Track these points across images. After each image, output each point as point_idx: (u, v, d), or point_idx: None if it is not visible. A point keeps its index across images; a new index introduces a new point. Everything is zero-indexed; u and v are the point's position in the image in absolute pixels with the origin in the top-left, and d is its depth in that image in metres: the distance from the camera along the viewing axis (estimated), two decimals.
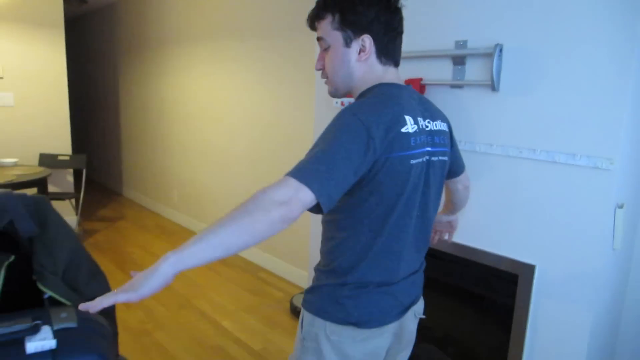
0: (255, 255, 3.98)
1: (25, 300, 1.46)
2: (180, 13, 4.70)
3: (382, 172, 1.02)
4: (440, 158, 1.17)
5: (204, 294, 3.33)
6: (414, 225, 1.16)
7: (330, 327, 1.14)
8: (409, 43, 1.95)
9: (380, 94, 1.09)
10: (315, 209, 0.93)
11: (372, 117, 0.99)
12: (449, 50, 1.82)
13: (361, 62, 1.12)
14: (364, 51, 1.11)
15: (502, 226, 1.77)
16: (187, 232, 4.79)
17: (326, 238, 1.19)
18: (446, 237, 1.60)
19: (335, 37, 1.11)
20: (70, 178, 4.71)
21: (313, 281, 1.23)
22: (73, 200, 4.61)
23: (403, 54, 1.97)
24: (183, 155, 4.91)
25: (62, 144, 4.55)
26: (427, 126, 1.13)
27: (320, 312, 1.16)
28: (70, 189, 4.72)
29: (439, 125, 1.18)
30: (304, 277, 3.43)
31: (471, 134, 1.81)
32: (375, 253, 1.12)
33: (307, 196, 0.89)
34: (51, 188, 4.39)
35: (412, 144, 1.05)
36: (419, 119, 1.10)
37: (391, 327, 1.19)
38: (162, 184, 5.37)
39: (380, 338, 1.18)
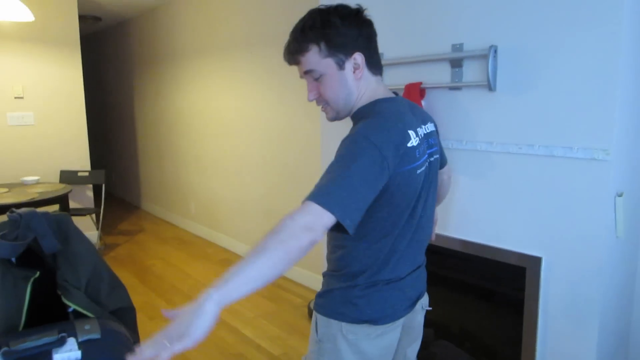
0: None
1: (50, 314, 1.55)
2: (190, 27, 4.83)
3: (394, 186, 1.08)
4: (435, 157, 1.25)
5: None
6: (420, 224, 1.22)
7: (346, 327, 1.19)
8: (407, 48, 2.01)
9: (382, 112, 1.13)
10: (342, 229, 0.98)
11: (382, 138, 1.04)
12: (446, 53, 1.87)
13: (358, 80, 1.16)
14: (358, 68, 1.15)
15: (507, 221, 1.80)
16: (205, 243, 4.89)
17: (336, 246, 1.24)
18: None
19: (327, 64, 1.14)
20: (90, 193, 4.85)
21: (323, 286, 1.29)
22: (94, 216, 4.75)
23: (402, 60, 2.03)
24: (198, 167, 5.02)
25: (81, 160, 4.70)
26: (423, 133, 1.19)
27: (335, 314, 1.21)
28: (91, 204, 4.86)
29: (429, 128, 1.25)
30: (320, 282, 3.48)
31: (472, 133, 1.85)
32: (385, 255, 1.18)
33: (330, 221, 0.95)
34: (72, 204, 4.52)
35: (417, 155, 1.12)
36: (418, 130, 1.16)
37: (401, 321, 1.25)
38: (179, 196, 5.49)
39: (393, 332, 1.24)
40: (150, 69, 5.73)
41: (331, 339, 1.21)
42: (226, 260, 4.33)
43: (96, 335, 1.35)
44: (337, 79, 1.15)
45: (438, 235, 2.00)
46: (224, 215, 4.68)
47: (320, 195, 0.96)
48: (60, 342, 1.30)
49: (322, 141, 2.49)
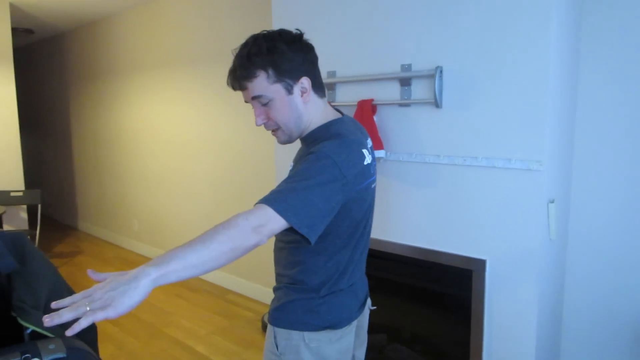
0: (221, 279, 4.02)
1: (5, 337, 1.48)
2: (131, 42, 4.74)
3: (352, 201, 1.13)
4: (375, 178, 1.31)
5: (173, 322, 3.34)
6: (368, 232, 1.31)
7: (309, 335, 1.23)
8: (360, 67, 2.14)
9: (340, 134, 1.17)
10: (304, 241, 1.03)
11: (343, 158, 1.08)
12: (396, 73, 2.01)
13: (306, 103, 1.19)
14: (305, 92, 1.18)
15: (454, 227, 1.94)
16: None
17: (294, 262, 1.26)
18: None
19: (276, 89, 1.15)
20: (24, 214, 4.59)
21: (279, 299, 1.29)
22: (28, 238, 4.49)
23: (355, 77, 2.15)
24: (142, 184, 4.89)
25: (14, 179, 4.45)
26: (370, 149, 1.26)
27: (296, 325, 1.24)
28: (25, 226, 4.60)
29: (370, 142, 1.31)
30: (272, 295, 3.50)
31: (420, 147, 1.99)
32: (344, 266, 1.25)
33: (279, 228, 0.98)
34: (5, 226, 4.27)
35: (371, 171, 1.21)
36: (368, 147, 1.23)
37: (355, 322, 1.33)
38: (120, 214, 5.31)
39: (350, 334, 1.31)
40: (88, 84, 5.55)
41: (293, 350, 1.23)
42: None
43: (62, 355, 1.32)
44: (287, 104, 1.17)
45: (390, 243, 2.12)
46: (170, 233, 4.59)
47: (277, 201, 0.98)
48: None
49: (276, 157, 2.55)
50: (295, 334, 1.24)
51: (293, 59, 1.14)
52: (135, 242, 5.11)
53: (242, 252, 0.92)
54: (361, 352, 1.47)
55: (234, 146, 3.74)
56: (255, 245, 0.94)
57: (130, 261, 4.80)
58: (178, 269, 0.84)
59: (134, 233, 5.11)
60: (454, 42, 1.85)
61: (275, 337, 1.26)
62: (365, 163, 1.16)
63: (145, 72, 4.61)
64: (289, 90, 1.16)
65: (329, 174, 1.05)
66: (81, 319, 0.78)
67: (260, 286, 3.67)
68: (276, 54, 1.13)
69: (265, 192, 3.56)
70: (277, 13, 2.47)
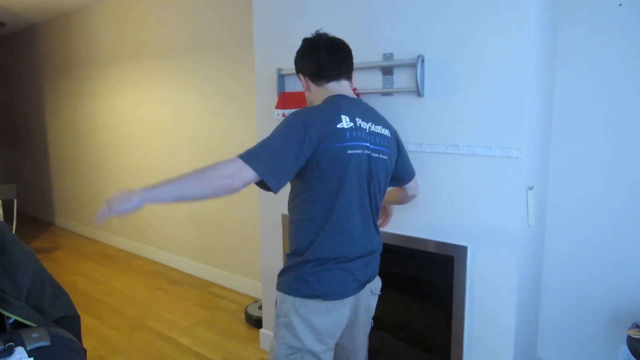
0: (204, 272, 4.00)
1: None
2: (109, 33, 4.66)
3: (324, 160, 1.26)
4: (381, 156, 1.40)
5: (155, 314, 3.32)
6: (365, 211, 1.38)
7: (299, 301, 1.33)
8: None
9: (324, 103, 1.39)
10: (265, 187, 1.21)
11: (310, 116, 1.28)
12: (378, 62, 2.03)
13: (309, 91, 1.48)
14: (305, 85, 1.47)
15: (435, 214, 1.98)
16: (131, 256, 4.70)
17: (290, 223, 1.42)
18: (384, 223, 1.81)
19: (300, 79, 1.50)
20: None
21: (283, 265, 1.43)
22: None
23: None
24: (121, 177, 4.83)
25: None
26: (369, 127, 1.37)
27: (290, 290, 1.35)
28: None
29: (381, 130, 1.42)
30: (256, 287, 3.51)
31: (403, 135, 2.00)
32: (328, 232, 1.32)
33: (249, 175, 1.18)
34: None
35: (348, 137, 1.30)
36: (357, 119, 1.34)
37: (350, 300, 1.39)
38: (98, 208, 5.22)
39: (342, 310, 1.37)
40: (62, 78, 5.43)
41: (286, 313, 1.35)
42: (155, 272, 4.21)
43: (46, 343, 1.31)
44: (304, 89, 1.51)
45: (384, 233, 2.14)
46: (151, 227, 4.55)
47: (246, 153, 1.20)
48: (8, 352, 1.25)
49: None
50: (288, 298, 1.35)
51: (296, 60, 1.48)
52: (114, 237, 5.04)
53: (210, 191, 1.17)
54: (365, 334, 1.56)
55: (213, 136, 3.72)
56: (224, 189, 1.17)
57: (110, 256, 4.74)
58: (158, 193, 1.17)
59: (113, 227, 5.05)
60: (435, 31, 1.88)
61: (276, 300, 1.41)
62: (338, 126, 1.29)
63: (121, 64, 4.54)
64: (300, 81, 1.50)
65: (292, 127, 1.25)
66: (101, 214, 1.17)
67: (243, 278, 3.67)
68: (296, 54, 1.48)
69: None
70: (257, 4, 2.47)
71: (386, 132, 1.44)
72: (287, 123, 1.27)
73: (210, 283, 3.91)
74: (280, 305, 1.38)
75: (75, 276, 4.14)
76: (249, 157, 1.19)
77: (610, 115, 1.97)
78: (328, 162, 1.27)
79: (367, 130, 1.36)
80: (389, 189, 1.57)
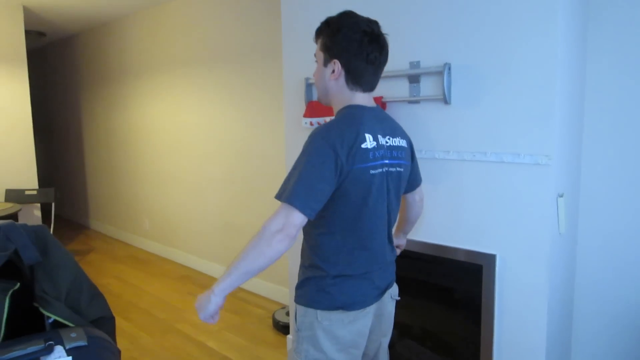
0: None
1: (27, 326, 1.53)
2: (143, 43, 4.81)
3: (347, 181, 1.24)
4: (397, 169, 1.38)
5: (185, 318, 3.39)
6: (383, 225, 1.38)
7: (321, 314, 1.32)
8: None
9: (345, 116, 1.31)
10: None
11: (337, 138, 1.22)
12: (405, 70, 2.04)
13: (332, 81, 1.34)
14: (334, 72, 1.32)
15: (463, 222, 1.97)
16: (162, 260, 4.82)
17: (309, 242, 1.39)
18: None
19: (320, 56, 1.36)
20: (37, 213, 4.67)
21: (299, 277, 1.41)
22: None
23: None
24: (153, 183, 4.96)
25: (28, 178, 4.53)
26: (386, 142, 1.35)
27: (311, 303, 1.34)
28: (39, 223, 4.67)
29: (398, 142, 1.39)
30: (284, 293, 3.55)
31: (430, 143, 2.02)
32: (350, 250, 1.32)
33: (297, 218, 1.18)
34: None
35: (371, 157, 1.28)
36: (378, 136, 1.32)
37: (372, 309, 1.39)
38: (132, 213, 5.38)
39: (365, 319, 1.37)
40: (100, 85, 5.63)
41: (308, 326, 1.34)
42: (186, 276, 4.30)
43: (83, 342, 1.37)
44: (320, 71, 1.37)
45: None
46: (181, 231, 4.65)
47: (286, 196, 1.19)
48: (48, 350, 1.31)
49: (287, 153, 2.59)
50: (310, 312, 1.33)
51: (337, 41, 1.30)
52: (146, 241, 5.17)
53: (272, 252, 1.17)
54: (386, 341, 1.54)
55: (244, 144, 3.79)
56: (282, 242, 1.17)
57: (141, 259, 4.86)
58: (231, 281, 1.21)
59: (145, 231, 5.18)
60: (462, 38, 1.88)
61: (296, 313, 1.39)
62: (363, 146, 1.26)
63: (154, 73, 4.68)
64: (325, 63, 1.34)
65: (322, 153, 1.21)
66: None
67: (271, 284, 3.71)
68: (332, 30, 1.31)
69: (274, 187, 3.60)
70: (286, 14, 2.52)
71: (403, 142, 1.42)
72: (315, 149, 1.22)
73: (239, 288, 3.95)
74: (301, 318, 1.36)
75: (108, 279, 4.26)
76: (289, 198, 1.18)
77: None
78: (352, 183, 1.25)
79: (386, 146, 1.34)
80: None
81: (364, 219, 1.31)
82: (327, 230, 1.32)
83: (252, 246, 1.19)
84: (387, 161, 1.33)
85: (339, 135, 1.23)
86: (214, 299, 1.22)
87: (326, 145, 1.21)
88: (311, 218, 1.20)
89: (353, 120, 1.28)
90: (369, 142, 1.27)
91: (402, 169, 1.40)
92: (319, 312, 1.32)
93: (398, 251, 1.74)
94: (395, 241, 1.71)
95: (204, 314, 1.23)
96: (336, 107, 1.38)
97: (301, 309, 1.37)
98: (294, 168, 1.24)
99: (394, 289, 1.51)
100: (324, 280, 1.33)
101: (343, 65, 1.31)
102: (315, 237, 1.35)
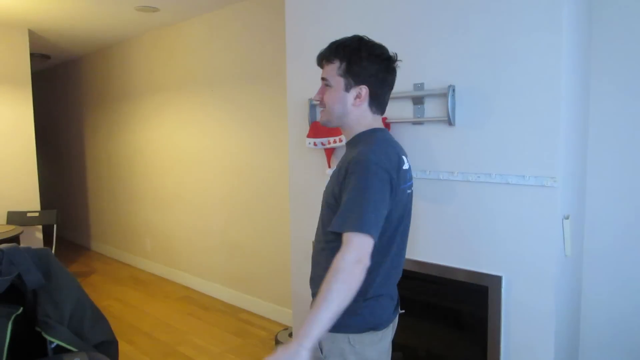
0: (234, 297, 4.03)
1: (30, 352, 1.51)
2: (146, 65, 4.86)
3: (393, 202, 1.27)
4: (412, 189, 1.45)
5: (187, 340, 3.34)
6: (406, 243, 1.43)
7: (353, 337, 1.30)
8: None
9: (380, 139, 1.32)
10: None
11: (387, 162, 1.25)
12: (409, 91, 2.05)
13: (355, 107, 1.33)
14: (359, 98, 1.32)
15: (469, 244, 1.96)
16: (163, 281, 4.78)
17: (332, 259, 1.31)
18: None
19: (338, 81, 1.32)
20: (39, 235, 4.66)
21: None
22: None
23: None
24: (155, 204, 4.95)
25: (30, 200, 4.52)
26: (407, 158, 1.39)
27: (341, 328, 1.27)
28: (40, 245, 4.65)
29: (409, 163, 1.42)
30: (286, 314, 3.51)
31: (434, 164, 2.03)
32: (386, 270, 1.33)
33: (369, 244, 1.17)
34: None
35: (408, 177, 1.35)
36: (405, 158, 1.37)
37: (392, 324, 1.42)
38: (133, 234, 5.36)
39: (389, 336, 1.40)
40: (103, 107, 5.67)
41: (338, 352, 1.30)
42: (187, 297, 4.26)
43: None
44: (340, 97, 1.33)
45: (405, 260, 2.12)
46: (183, 252, 4.62)
47: (358, 224, 1.16)
48: None
49: (290, 174, 2.59)
50: (340, 337, 1.30)
51: (365, 67, 1.29)
52: (147, 262, 5.14)
53: (357, 284, 1.14)
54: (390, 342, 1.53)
55: (246, 164, 3.80)
56: (362, 272, 1.14)
57: (142, 280, 4.83)
58: (320, 330, 1.11)
59: (146, 252, 5.15)
60: (466, 60, 1.90)
61: (319, 342, 1.32)
62: (404, 167, 1.31)
63: (157, 95, 4.71)
64: (347, 88, 1.31)
65: (380, 178, 1.22)
66: None
67: (273, 305, 3.67)
68: (354, 56, 1.29)
69: (277, 207, 3.56)
70: (290, 36, 2.55)
71: (409, 163, 1.44)
72: (373, 174, 1.21)
73: (241, 309, 3.93)
74: (329, 346, 1.31)
75: (109, 300, 4.22)
76: (362, 227, 1.16)
77: None
78: (395, 203, 1.28)
79: (408, 163, 1.40)
80: None
81: (397, 238, 1.34)
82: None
83: (335, 284, 1.12)
84: (411, 182, 1.41)
85: (387, 159, 1.25)
86: (304, 353, 1.08)
87: (381, 169, 1.22)
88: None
89: (388, 144, 1.32)
90: (406, 164, 1.34)
91: (413, 188, 1.47)
92: (350, 336, 1.29)
93: None
94: None
95: None
96: (354, 131, 1.37)
97: (328, 335, 1.28)
98: (353, 196, 1.20)
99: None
100: (356, 303, 1.24)
101: (371, 91, 1.32)
102: None
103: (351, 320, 1.29)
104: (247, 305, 3.91)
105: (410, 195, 1.40)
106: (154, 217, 4.98)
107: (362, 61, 1.29)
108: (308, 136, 2.40)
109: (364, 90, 1.31)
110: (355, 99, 1.32)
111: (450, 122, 1.93)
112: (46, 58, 5.88)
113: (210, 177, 4.19)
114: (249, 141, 3.77)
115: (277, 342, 3.13)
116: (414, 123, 2.07)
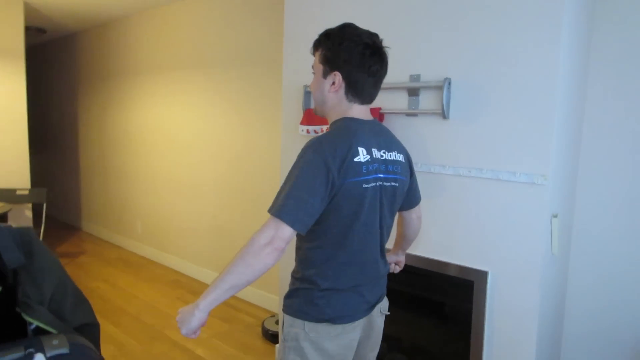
0: None
1: (8, 333, 1.49)
2: (143, 44, 4.80)
3: (339, 195, 1.22)
4: (392, 184, 1.35)
5: (174, 324, 3.34)
6: (375, 240, 1.36)
7: (309, 325, 1.30)
8: None
9: (340, 128, 1.29)
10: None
11: (329, 151, 1.20)
12: (404, 83, 2.03)
13: (332, 93, 1.32)
14: (334, 85, 1.30)
15: (456, 238, 1.95)
16: (153, 264, 4.77)
17: (297, 247, 1.38)
18: (395, 270, 1.73)
19: (318, 68, 1.34)
20: (29, 213, 4.62)
21: (289, 286, 1.40)
22: None
23: None
24: (147, 186, 4.92)
25: (20, 178, 4.47)
26: (381, 156, 1.32)
27: (299, 314, 1.32)
28: (29, 224, 4.63)
29: (394, 156, 1.36)
30: (274, 301, 3.51)
31: (426, 157, 2.01)
32: (341, 264, 1.30)
33: (286, 232, 1.15)
34: (10, 224, 4.29)
35: (364, 171, 1.25)
36: (372, 149, 1.29)
37: (361, 323, 1.37)
38: (124, 216, 5.33)
39: (353, 332, 1.35)
40: (97, 85, 5.60)
41: (295, 337, 1.32)
42: (176, 281, 4.25)
43: (65, 350, 1.33)
44: (318, 83, 1.35)
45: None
46: (173, 235, 4.61)
47: (276, 209, 1.17)
48: (28, 358, 1.27)
49: (282, 158, 2.57)
50: (298, 322, 1.32)
51: (339, 53, 1.28)
52: (138, 244, 5.12)
53: (260, 264, 1.15)
54: (373, 356, 1.51)
55: (239, 148, 3.77)
56: (270, 255, 1.15)
57: (132, 263, 4.81)
58: (216, 296, 1.16)
59: (137, 235, 5.13)
60: (463, 54, 1.87)
61: (283, 322, 1.38)
62: (356, 159, 1.23)
63: (152, 74, 4.66)
64: (324, 75, 1.32)
65: (314, 167, 1.19)
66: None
67: (261, 292, 3.67)
68: (332, 42, 1.29)
69: (269, 193, 3.56)
70: (289, 22, 2.51)
71: (400, 157, 1.38)
72: (308, 162, 1.20)
73: None
74: (288, 329, 1.34)
75: (98, 282, 4.21)
76: (279, 211, 1.16)
77: None
78: (344, 197, 1.23)
79: (381, 160, 1.31)
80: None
81: (355, 233, 1.29)
82: (318, 243, 1.30)
83: (239, 259, 1.16)
84: (381, 175, 1.31)
85: (331, 148, 1.21)
86: (199, 314, 1.17)
87: (318, 158, 1.19)
88: (302, 232, 1.19)
89: (347, 133, 1.27)
90: (362, 156, 1.25)
91: (397, 184, 1.37)
92: (306, 323, 1.31)
93: (397, 268, 1.72)
94: (394, 258, 1.69)
95: (186, 329, 1.19)
96: (331, 119, 1.36)
97: (289, 319, 1.35)
98: (286, 181, 1.21)
99: (384, 304, 1.49)
100: (313, 292, 1.31)
101: (344, 77, 1.29)
102: (305, 250, 1.33)
103: (308, 308, 1.31)
104: None
105: (376, 190, 1.30)
106: (146, 199, 4.95)
107: (338, 47, 1.28)
108: (301, 123, 2.37)
109: (337, 76, 1.29)
110: (331, 85, 1.31)
111: (444, 115, 1.91)
112: (41, 32, 5.78)
113: (203, 161, 4.16)
114: (242, 126, 3.73)
115: (264, 329, 3.14)
116: (408, 115, 2.05)
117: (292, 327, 1.33)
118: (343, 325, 1.32)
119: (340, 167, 1.20)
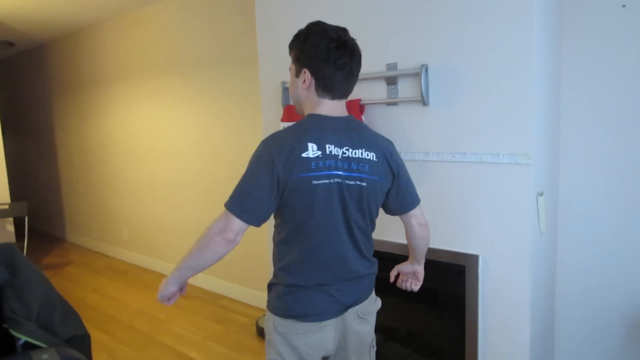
0: (214, 284, 4.00)
1: None
2: (114, 51, 4.71)
3: (287, 190, 1.24)
4: (358, 182, 1.29)
5: (167, 329, 3.31)
6: (343, 240, 1.32)
7: (277, 320, 1.34)
8: None
9: (298, 123, 1.31)
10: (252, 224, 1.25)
11: (276, 146, 1.24)
12: (382, 72, 2.02)
13: (304, 91, 1.33)
14: (305, 82, 1.31)
15: (445, 224, 1.96)
16: (141, 270, 4.72)
17: (272, 250, 1.42)
18: (413, 287, 1.67)
19: (292, 68, 1.36)
20: (10, 227, 4.53)
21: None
22: None
23: None
24: (130, 193, 4.85)
25: None
26: (344, 153, 1.28)
27: (272, 308, 1.37)
28: (12, 239, 4.53)
29: (362, 154, 1.30)
30: (266, 300, 3.49)
31: (409, 145, 2.01)
32: (300, 260, 1.31)
33: (235, 223, 1.22)
34: None
35: (313, 166, 1.24)
36: (327, 145, 1.26)
37: (331, 324, 1.34)
38: (109, 224, 5.26)
39: (321, 332, 1.33)
40: (72, 94, 5.50)
41: (269, 331, 1.37)
42: None
43: None
44: (293, 82, 1.37)
45: (382, 241, 2.10)
46: (160, 240, 4.56)
47: (228, 202, 1.25)
48: None
49: None
50: (270, 316, 1.37)
51: (305, 50, 1.30)
52: (125, 251, 5.06)
53: (212, 252, 1.25)
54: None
55: (218, 150, 3.73)
56: (222, 243, 1.23)
57: (121, 270, 4.75)
58: (180, 274, 1.35)
59: (123, 242, 5.07)
60: (438, 39, 1.87)
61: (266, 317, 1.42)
62: (304, 155, 1.23)
63: (128, 81, 4.58)
64: (297, 74, 1.34)
65: (261, 161, 1.24)
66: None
67: (253, 291, 3.66)
68: (300, 41, 1.32)
69: None
70: (260, 17, 2.48)
71: (371, 155, 1.31)
72: (257, 157, 1.26)
73: (221, 296, 3.90)
74: (266, 322, 1.40)
75: (87, 292, 4.15)
76: (229, 204, 1.24)
77: (619, 118, 1.94)
78: (292, 192, 1.23)
79: (340, 157, 1.27)
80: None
81: (310, 230, 1.28)
82: (282, 239, 1.34)
83: (196, 246, 1.27)
84: (340, 172, 1.26)
85: (279, 144, 1.24)
86: (170, 286, 1.36)
87: (266, 153, 1.24)
88: (254, 225, 1.24)
89: (300, 128, 1.28)
90: (310, 151, 1.24)
91: (364, 184, 1.30)
92: (276, 318, 1.35)
93: (416, 282, 1.64)
94: (410, 268, 1.62)
95: (160, 295, 1.38)
96: (305, 114, 1.38)
97: (267, 312, 1.40)
98: (241, 177, 1.28)
99: (365, 307, 1.42)
100: (280, 287, 1.35)
101: (312, 73, 1.29)
102: (275, 244, 1.38)
103: (277, 303, 1.35)
104: (227, 291, 3.88)
105: (332, 188, 1.26)
106: (130, 206, 4.89)
107: (303, 44, 1.30)
108: (282, 120, 2.35)
109: (306, 73, 1.30)
110: (302, 83, 1.32)
111: (424, 102, 1.91)
112: (10, 45, 5.65)
113: (183, 164, 4.11)
114: (220, 127, 3.70)
115: (258, 328, 3.12)
116: (388, 104, 2.04)
117: (267, 321, 1.39)
118: (309, 323, 1.32)
119: (285, 162, 1.22)
